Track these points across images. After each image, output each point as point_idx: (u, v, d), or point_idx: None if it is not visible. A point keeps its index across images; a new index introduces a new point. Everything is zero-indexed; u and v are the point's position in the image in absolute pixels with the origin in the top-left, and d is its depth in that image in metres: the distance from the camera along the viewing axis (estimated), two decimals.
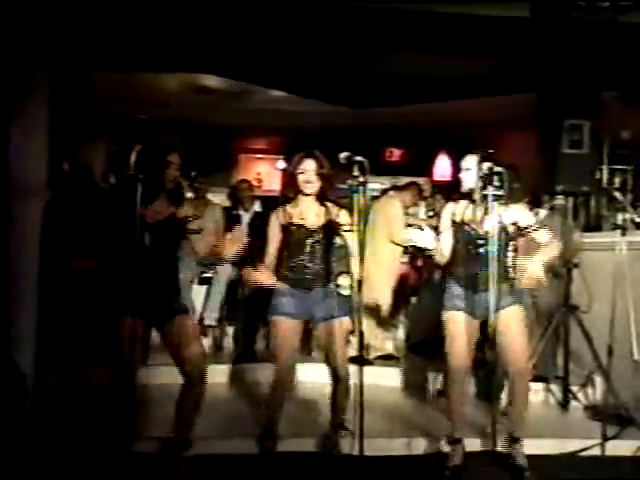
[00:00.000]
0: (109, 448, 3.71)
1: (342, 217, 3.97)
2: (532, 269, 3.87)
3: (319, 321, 4.01)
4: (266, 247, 4.03)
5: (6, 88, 4.30)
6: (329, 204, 4.00)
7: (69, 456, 4.00)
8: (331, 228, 3.97)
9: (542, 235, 4.05)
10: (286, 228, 3.99)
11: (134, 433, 3.75)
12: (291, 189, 4.02)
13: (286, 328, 3.95)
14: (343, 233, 3.97)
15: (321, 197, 3.99)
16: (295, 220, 3.97)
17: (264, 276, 3.92)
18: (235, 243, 3.80)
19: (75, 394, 4.87)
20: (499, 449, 4.15)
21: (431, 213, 7.17)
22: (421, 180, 7.49)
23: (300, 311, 3.96)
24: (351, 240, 3.92)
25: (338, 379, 3.97)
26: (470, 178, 4.01)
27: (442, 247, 4.13)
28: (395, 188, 6.62)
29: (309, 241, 3.96)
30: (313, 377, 5.55)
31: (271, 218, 4.05)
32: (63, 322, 5.09)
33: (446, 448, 4.17)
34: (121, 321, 3.63)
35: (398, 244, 6.15)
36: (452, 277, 4.09)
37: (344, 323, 3.97)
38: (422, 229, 4.08)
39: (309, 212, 3.99)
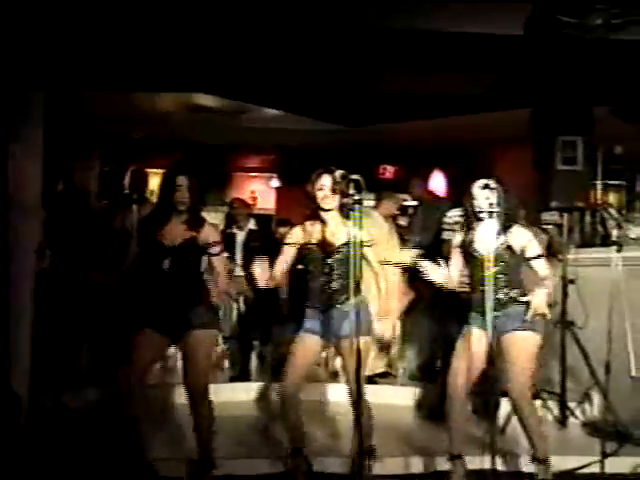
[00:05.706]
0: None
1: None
2: (537, 304, 3.83)
3: (338, 340, 3.93)
4: (278, 257, 3.99)
5: (1, 108, 4.29)
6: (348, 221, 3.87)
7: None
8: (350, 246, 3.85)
9: (541, 267, 4.01)
10: (304, 247, 3.96)
11: (144, 454, 3.82)
12: (310, 207, 3.96)
13: (302, 344, 3.94)
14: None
15: (340, 214, 3.91)
16: (314, 239, 3.94)
17: (265, 275, 3.86)
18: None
19: (68, 414, 4.84)
20: (498, 467, 4.06)
21: None
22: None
23: (320, 329, 3.93)
24: (368, 257, 3.93)
25: (355, 400, 3.79)
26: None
27: (452, 274, 4.09)
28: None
29: (328, 260, 3.91)
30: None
31: (289, 233, 4.04)
32: (58, 340, 5.09)
33: (446, 465, 4.12)
34: (138, 334, 3.77)
35: (392, 262, 6.11)
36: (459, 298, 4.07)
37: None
38: (438, 264, 4.03)
39: (328, 231, 3.93)
